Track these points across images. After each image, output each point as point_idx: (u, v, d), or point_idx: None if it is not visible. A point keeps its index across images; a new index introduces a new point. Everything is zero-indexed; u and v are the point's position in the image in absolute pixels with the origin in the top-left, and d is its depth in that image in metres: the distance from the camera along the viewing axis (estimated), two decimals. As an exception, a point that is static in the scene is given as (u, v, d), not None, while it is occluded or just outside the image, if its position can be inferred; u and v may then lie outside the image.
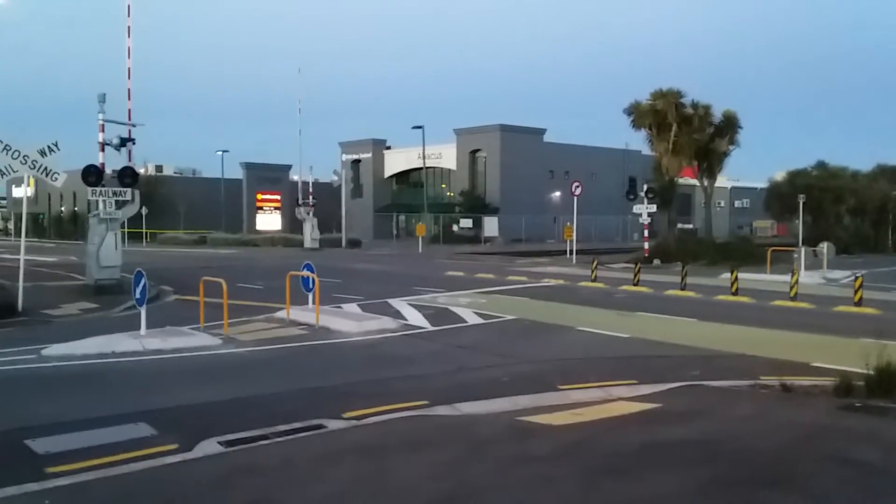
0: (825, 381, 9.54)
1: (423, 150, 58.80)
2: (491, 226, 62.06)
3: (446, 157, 69.63)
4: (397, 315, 16.30)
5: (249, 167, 78.35)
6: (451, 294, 20.86)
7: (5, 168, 16.10)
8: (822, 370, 10.68)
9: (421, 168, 64.20)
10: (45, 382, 10.12)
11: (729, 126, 40.79)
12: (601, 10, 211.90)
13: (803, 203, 36.25)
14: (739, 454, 6.50)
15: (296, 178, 61.00)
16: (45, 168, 16.50)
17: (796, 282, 19.78)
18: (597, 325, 15.10)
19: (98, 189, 19.96)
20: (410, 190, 73.98)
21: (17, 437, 7.31)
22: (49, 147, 16.49)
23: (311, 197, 50.23)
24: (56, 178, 16.77)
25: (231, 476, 6.07)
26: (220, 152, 73.18)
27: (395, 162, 75.61)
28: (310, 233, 49.93)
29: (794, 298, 19.30)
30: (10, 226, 72.78)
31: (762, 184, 68.09)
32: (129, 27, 21.58)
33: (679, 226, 48.86)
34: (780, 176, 57.22)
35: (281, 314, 15.78)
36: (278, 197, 77.75)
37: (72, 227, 69.68)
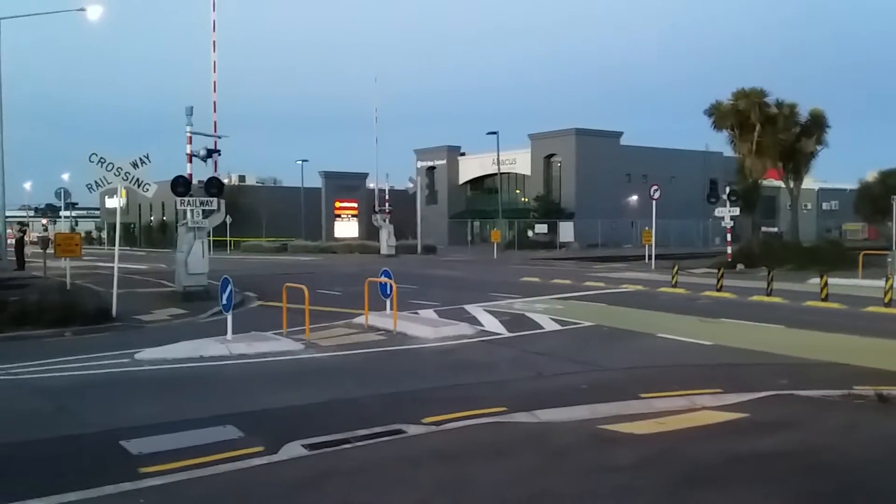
0: (924, 391, 9.08)
1: (498, 155, 58.79)
2: (566, 231, 61.52)
3: (521, 162, 69.45)
4: (473, 321, 16.31)
5: (328, 176, 79.94)
6: (527, 300, 20.75)
7: (100, 180, 16.84)
8: (921, 380, 10.16)
9: (495, 174, 64.19)
10: (139, 385, 10.55)
11: (816, 125, 39.27)
12: (679, 9, 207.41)
13: (896, 204, 34.59)
14: (831, 467, 6.25)
15: (372, 185, 61.97)
16: (137, 179, 17.18)
17: (891, 287, 18.87)
18: (678, 331, 14.76)
19: (186, 199, 20.69)
20: (485, 196, 74.09)
21: (113, 438, 7.62)
22: (141, 159, 17.18)
23: (387, 204, 50.87)
24: (147, 189, 17.45)
25: (315, 479, 6.19)
26: (300, 161, 74.91)
27: (470, 168, 75.87)
28: (386, 239, 50.53)
29: (888, 305, 18.42)
30: (104, 235, 76.22)
31: (852, 185, 65.45)
32: (213, 42, 22.37)
33: (763, 229, 47.34)
34: (870, 176, 54.93)
35: (360, 320, 16.01)
36: (355, 204, 79.08)
37: (161, 235, 72.52)
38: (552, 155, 67.81)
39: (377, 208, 51.41)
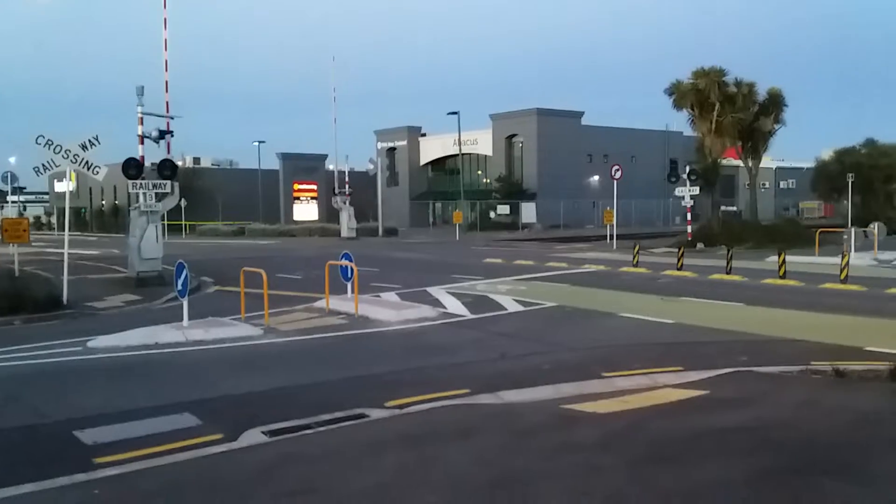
0: (880, 365, 9.25)
1: (459, 136, 58.63)
2: (529, 212, 61.69)
3: (482, 142, 69.35)
4: (436, 303, 16.24)
5: (286, 157, 78.96)
6: (489, 281, 20.74)
7: (47, 162, 16.32)
8: (876, 354, 10.37)
9: (457, 155, 64.09)
10: (92, 374, 10.27)
11: (774, 104, 39.85)
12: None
13: (852, 182, 35.41)
14: (792, 442, 6.31)
15: (332, 167, 61.26)
16: (87, 162, 16.68)
17: (847, 264, 19.25)
18: (640, 311, 14.86)
19: (138, 182, 20.19)
20: (446, 177, 73.95)
21: (66, 429, 7.41)
22: (90, 141, 16.67)
23: (347, 186, 50.40)
24: (97, 172, 16.96)
25: (276, 466, 6.06)
26: (257, 143, 73.91)
27: (431, 149, 75.56)
28: (346, 222, 50.14)
29: (844, 281, 18.79)
30: (53, 220, 74.36)
31: (809, 164, 66.66)
32: (164, 19, 21.75)
33: (723, 208, 48.00)
34: (827, 155, 55.97)
35: (320, 304, 15.82)
36: (315, 187, 78.30)
37: (113, 220, 70.96)
38: (514, 135, 67.82)
39: (337, 190, 50.92)
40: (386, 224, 54.39)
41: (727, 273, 21.42)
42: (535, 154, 65.11)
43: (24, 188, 53.49)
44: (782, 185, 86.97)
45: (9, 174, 38.64)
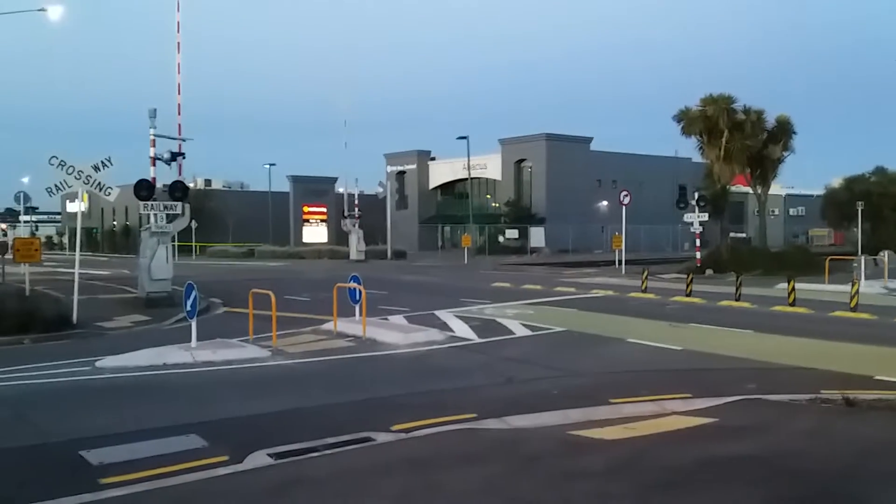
0: (890, 394, 9.19)
1: (468, 160, 58.83)
2: (537, 236, 61.68)
3: (491, 167, 69.57)
4: (444, 327, 16.22)
5: (296, 180, 79.36)
6: (497, 306, 20.71)
7: (60, 183, 16.49)
8: (886, 384, 10.31)
9: (466, 179, 64.23)
10: (99, 394, 10.29)
11: (783, 131, 39.84)
12: (650, 15, 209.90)
13: (862, 210, 35.26)
14: (801, 471, 6.26)
15: (341, 190, 61.55)
16: (99, 183, 16.84)
17: (857, 292, 19.15)
18: (648, 336, 14.80)
19: (150, 203, 20.33)
20: (455, 201, 74.06)
21: (73, 448, 7.41)
22: (103, 162, 16.84)
23: (356, 209, 50.59)
24: (109, 193, 17.11)
25: (281, 488, 6.04)
26: (268, 166, 74.35)
27: (440, 173, 75.81)
28: (355, 245, 50.25)
29: (854, 309, 18.68)
30: (65, 240, 74.82)
31: (818, 191, 66.58)
32: (178, 43, 22.04)
33: (731, 235, 47.82)
34: (836, 182, 55.87)
35: (328, 326, 15.83)
36: (324, 209, 78.52)
37: (124, 240, 71.39)
38: (523, 160, 68.01)
39: (346, 213, 51.10)
40: (395, 247, 54.47)
41: (736, 300, 21.33)
42: (544, 179, 65.22)
43: (37, 208, 53.90)
44: (792, 212, 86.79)
45: (21, 194, 38.89)
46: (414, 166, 76.71)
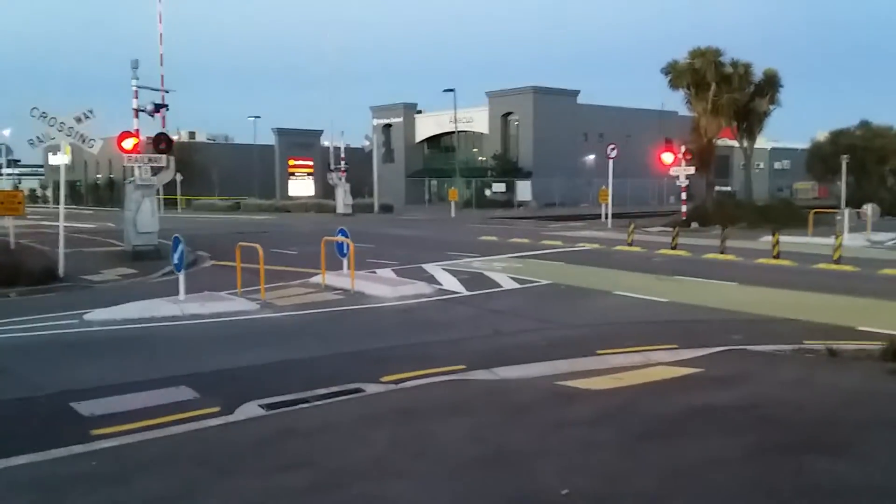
0: (872, 345, 9.32)
1: (455, 113, 58.38)
2: (524, 190, 61.64)
3: (478, 120, 69.07)
4: (432, 280, 16.26)
5: (281, 133, 78.54)
6: (485, 259, 20.77)
7: (42, 135, 16.24)
8: (868, 334, 10.44)
9: (452, 132, 63.81)
10: (88, 346, 10.29)
11: (770, 85, 39.74)
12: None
13: (846, 163, 35.35)
14: (785, 419, 6.37)
15: (327, 143, 61.00)
16: (82, 135, 16.60)
17: (840, 244, 19.33)
18: (634, 289, 14.92)
19: (133, 156, 20.08)
20: (442, 154, 73.66)
21: (63, 400, 7.44)
22: (85, 114, 16.57)
23: (342, 162, 50.19)
24: (92, 146, 16.89)
25: (272, 439, 6.10)
26: (252, 118, 73.50)
27: (427, 126, 75.22)
28: (342, 198, 50.00)
29: (837, 261, 18.88)
30: (48, 193, 74.00)
31: (803, 144, 66.64)
32: (160, -8, 21.51)
33: (717, 188, 47.98)
34: (822, 136, 55.92)
35: (316, 279, 15.83)
36: (310, 163, 77.94)
37: (108, 193, 70.63)
38: (510, 113, 67.53)
39: (333, 166, 50.72)
40: (381, 201, 54.25)
41: (721, 252, 21.49)
42: (531, 132, 64.88)
43: (19, 161, 53.23)
44: (777, 165, 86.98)
45: (3, 147, 38.44)
46: (400, 119, 76.02)
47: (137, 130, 20.63)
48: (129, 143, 20.12)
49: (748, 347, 9.60)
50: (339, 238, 15.77)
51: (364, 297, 14.21)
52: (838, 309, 12.83)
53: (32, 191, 78.15)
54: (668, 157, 34.34)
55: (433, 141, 76.15)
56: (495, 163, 65.70)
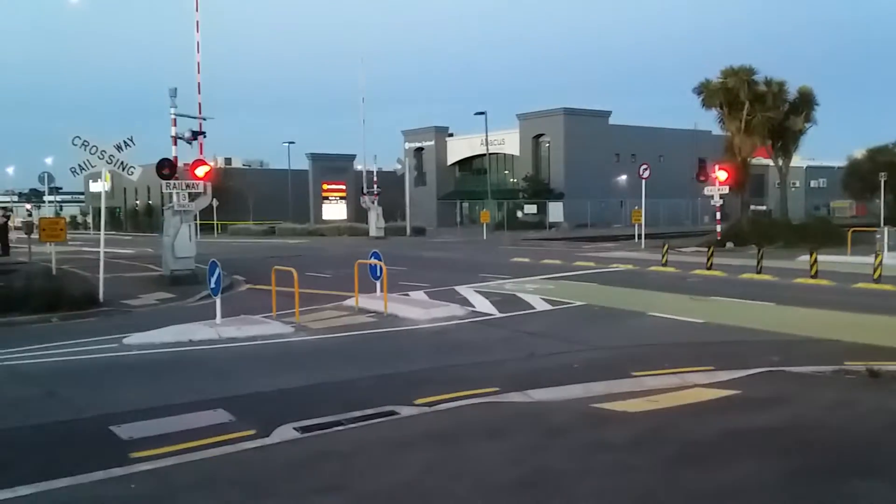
0: (915, 366, 9.12)
1: (486, 136, 58.59)
2: (556, 211, 61.49)
3: (509, 142, 69.26)
4: (464, 302, 16.27)
5: (315, 158, 79.48)
6: (517, 280, 20.73)
7: (84, 163, 16.63)
8: (911, 355, 10.20)
9: (484, 154, 63.99)
10: (127, 370, 10.45)
11: (805, 103, 39.27)
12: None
13: (885, 181, 34.77)
14: (826, 442, 6.25)
15: (360, 167, 61.56)
16: (122, 162, 16.96)
17: (880, 263, 18.96)
18: (669, 310, 14.77)
19: (172, 182, 20.47)
20: (473, 177, 73.91)
21: (103, 424, 7.56)
22: (125, 142, 16.96)
23: (375, 186, 50.59)
24: (132, 173, 17.24)
25: (307, 462, 6.14)
26: (287, 144, 74.47)
27: (458, 149, 75.60)
28: (375, 221, 50.33)
29: (877, 281, 18.50)
30: (89, 219, 75.59)
31: (840, 162, 65.65)
32: (197, 22, 22.01)
33: (752, 207, 47.36)
34: (859, 154, 55.10)
35: (350, 302, 15.93)
36: (343, 186, 78.70)
37: (147, 219, 72.02)
38: (541, 135, 67.62)
39: (365, 190, 51.13)
40: (413, 223, 54.51)
41: (758, 272, 21.19)
42: (563, 153, 64.85)
43: (61, 188, 54.37)
44: (813, 184, 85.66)
45: (45, 174, 39.27)
46: (432, 143, 76.54)
47: (176, 157, 21.05)
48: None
49: (787, 369, 9.44)
50: (372, 261, 15.88)
51: (397, 319, 14.26)
52: (879, 329, 12.55)
53: (73, 217, 79.98)
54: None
55: (464, 163, 76.48)
56: (527, 184, 65.72)
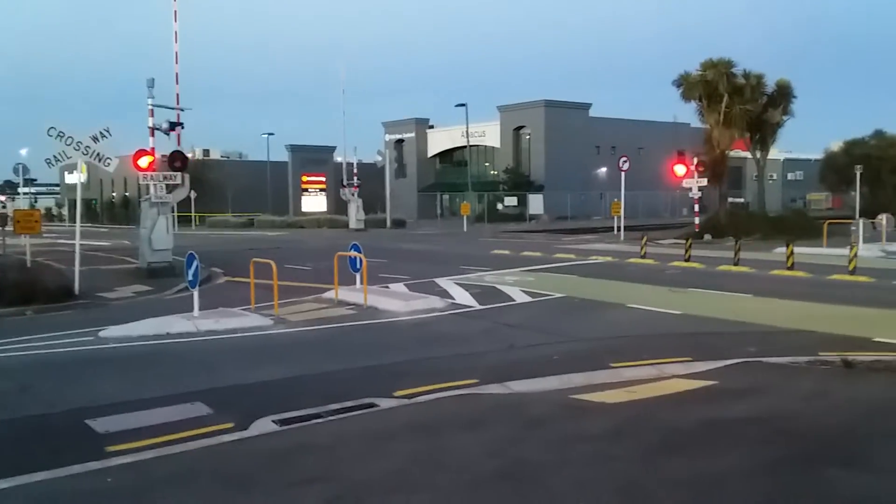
0: (888, 356, 9.26)
1: (467, 128, 58.55)
2: (536, 203, 61.58)
3: (490, 134, 69.22)
4: (444, 294, 16.27)
5: (294, 149, 79.02)
6: (497, 272, 20.76)
7: (59, 154, 16.42)
8: (884, 345, 10.37)
9: (464, 146, 63.95)
10: (104, 363, 10.36)
11: (782, 96, 39.59)
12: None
13: (860, 174, 35.16)
14: (802, 432, 6.33)
15: (340, 159, 61.28)
16: (98, 154, 16.78)
17: (855, 255, 19.19)
18: (648, 301, 14.86)
19: (148, 174, 20.27)
20: (454, 169, 73.84)
21: (78, 417, 7.48)
22: (101, 133, 16.76)
23: (355, 178, 50.40)
24: (108, 164, 17.05)
25: (287, 454, 6.11)
26: (266, 135, 74.02)
27: (439, 141, 75.46)
28: (355, 214, 50.16)
29: (852, 272, 18.72)
30: (64, 212, 74.66)
31: (817, 155, 66.30)
32: (175, 11, 21.78)
33: (730, 200, 47.71)
34: (835, 146, 55.63)
35: (329, 294, 15.88)
36: (323, 178, 78.29)
37: (123, 211, 71.23)
38: (521, 127, 67.66)
39: (345, 182, 50.93)
40: (394, 216, 54.39)
41: (735, 264, 21.38)
42: (543, 146, 64.94)
43: (36, 180, 53.74)
44: (790, 176, 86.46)
45: (20, 166, 38.81)
46: (412, 134, 76.33)
47: (153, 149, 20.83)
48: (144, 161, 20.33)
49: (763, 359, 9.55)
50: (352, 253, 15.83)
51: (377, 311, 14.23)
52: (854, 320, 12.72)
53: (48, 209, 78.92)
54: (680, 169, 34.26)
55: (445, 155, 76.37)
56: (507, 177, 65.77)
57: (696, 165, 34.33)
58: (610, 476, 5.38)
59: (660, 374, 8.98)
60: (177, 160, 20.97)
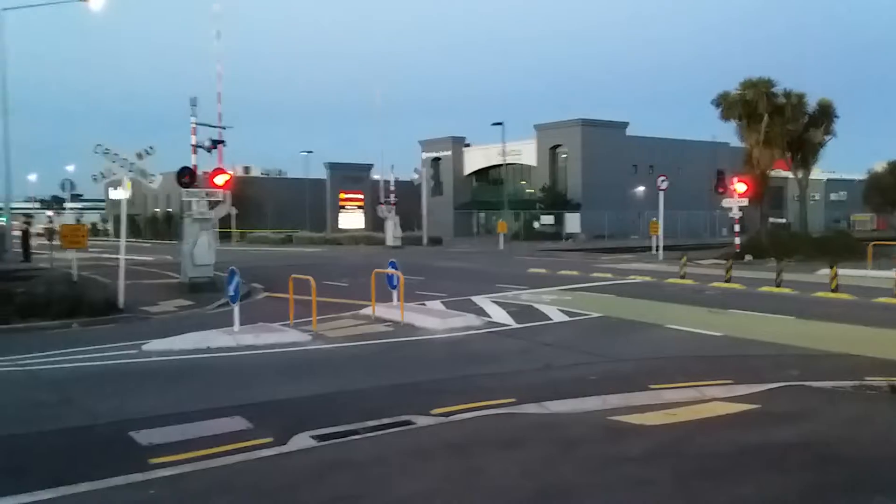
0: (937, 382, 8.99)
1: (503, 146, 58.61)
2: (573, 222, 61.34)
3: (526, 153, 69.26)
4: (481, 312, 16.26)
5: (333, 167, 79.93)
6: (534, 291, 20.69)
7: (105, 171, 16.85)
8: (933, 371, 10.07)
9: (501, 165, 64.05)
10: (146, 376, 10.54)
11: (824, 115, 39.07)
12: (689, 7, 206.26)
13: (906, 195, 34.48)
14: (845, 458, 6.18)
15: (377, 176, 61.86)
16: (142, 170, 17.16)
17: (901, 277, 18.73)
18: (687, 322, 14.68)
19: (192, 190, 20.66)
20: (490, 187, 73.95)
21: (122, 429, 7.62)
22: (146, 150, 17.15)
23: (392, 195, 50.75)
24: (152, 181, 17.43)
25: (324, 470, 6.16)
26: (305, 153, 75.22)
27: (475, 159, 75.70)
28: (391, 231, 50.44)
29: (898, 295, 18.29)
30: (109, 227, 76.30)
31: (860, 175, 65.13)
32: (217, 31, 22.28)
33: (771, 220, 47.04)
34: (880, 166, 54.65)
35: (367, 311, 15.97)
36: (361, 196, 79.05)
37: (166, 227, 72.46)
38: (558, 146, 67.58)
39: (382, 199, 51.29)
40: (430, 233, 54.56)
41: (777, 286, 21.02)
42: (580, 164, 64.76)
43: (81, 195, 54.98)
44: (833, 197, 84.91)
45: (67, 182, 39.78)
46: (449, 153, 76.70)
47: (195, 166, 21.25)
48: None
49: (806, 383, 9.36)
50: (389, 270, 15.92)
51: (414, 329, 14.27)
52: (901, 344, 12.41)
53: (94, 224, 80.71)
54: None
55: (481, 174, 76.56)
56: (544, 195, 65.66)
57: (740, 182, 33.75)
58: (646, 500, 5.32)
59: (700, 397, 8.86)
60: (218, 177, 21.34)
